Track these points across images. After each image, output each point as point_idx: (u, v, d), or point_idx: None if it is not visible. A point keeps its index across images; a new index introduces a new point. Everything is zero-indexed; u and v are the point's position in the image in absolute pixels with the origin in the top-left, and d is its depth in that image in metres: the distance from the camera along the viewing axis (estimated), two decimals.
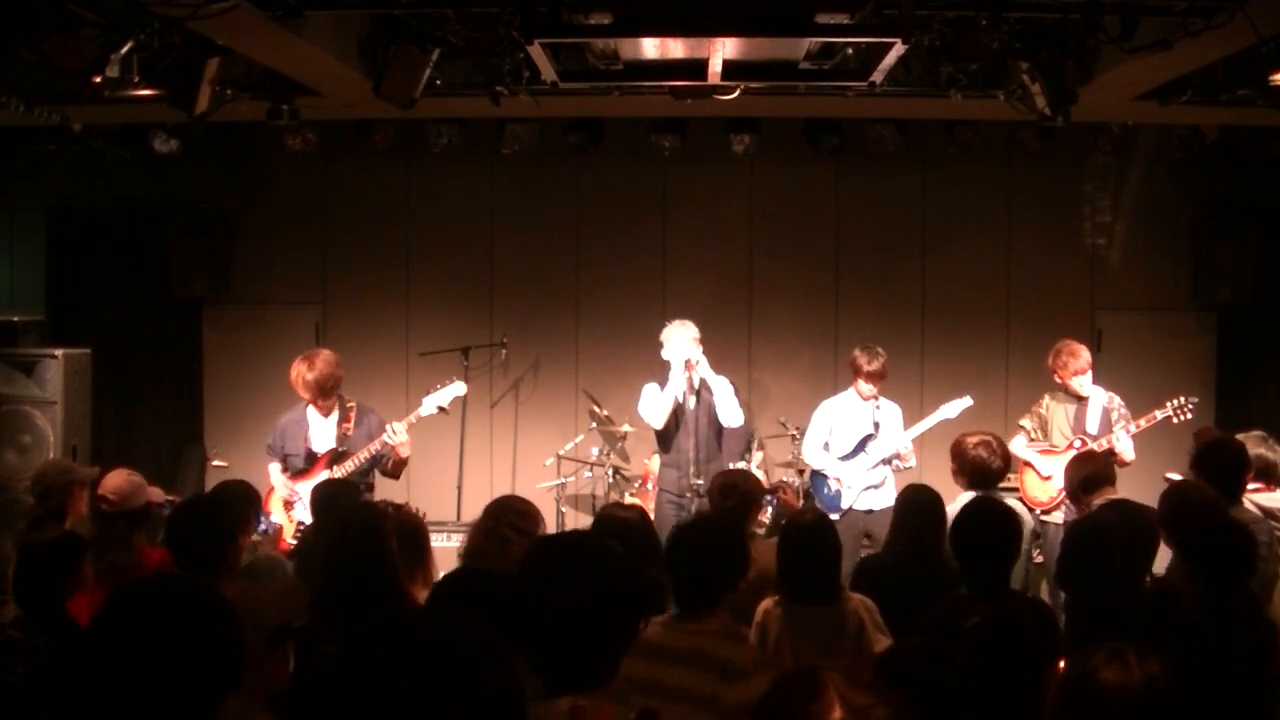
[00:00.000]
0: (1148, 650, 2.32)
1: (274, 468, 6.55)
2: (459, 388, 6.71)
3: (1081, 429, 6.68)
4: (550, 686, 2.23)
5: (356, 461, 6.32)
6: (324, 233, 9.57)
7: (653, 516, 7.18)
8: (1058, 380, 6.78)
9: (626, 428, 8.45)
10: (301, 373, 6.43)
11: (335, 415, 6.52)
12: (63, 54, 5.27)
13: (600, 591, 2.18)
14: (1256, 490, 5.01)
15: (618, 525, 4.12)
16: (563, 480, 8.56)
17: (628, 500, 8.25)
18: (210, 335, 9.63)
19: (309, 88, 6.79)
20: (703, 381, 6.83)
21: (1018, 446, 6.80)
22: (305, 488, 6.19)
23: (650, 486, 7.54)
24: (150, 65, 5.64)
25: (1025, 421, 6.93)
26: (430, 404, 6.59)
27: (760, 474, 7.98)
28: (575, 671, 2.22)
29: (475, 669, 1.54)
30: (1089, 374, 6.73)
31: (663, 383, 6.89)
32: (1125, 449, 6.58)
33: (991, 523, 4.03)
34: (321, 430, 6.51)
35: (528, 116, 8.00)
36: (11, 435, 7.87)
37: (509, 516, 4.13)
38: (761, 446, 8.54)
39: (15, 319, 8.98)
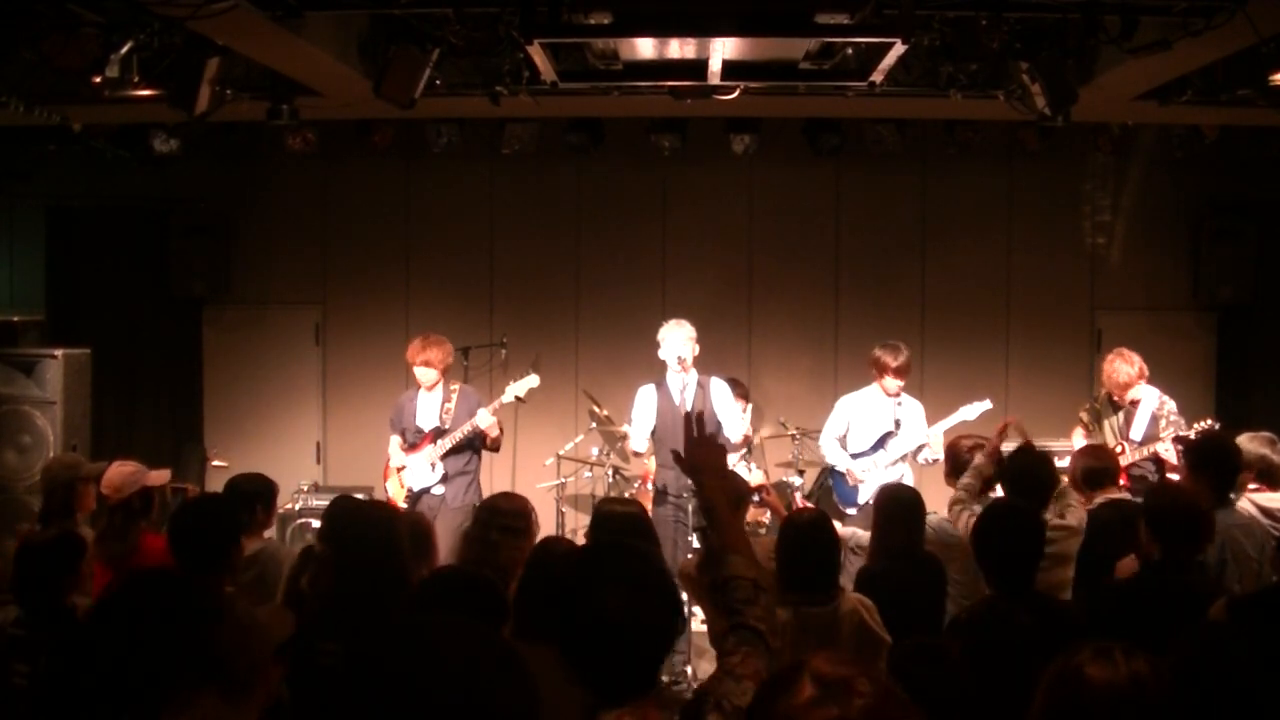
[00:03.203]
0: (1135, 647, 2.32)
1: (394, 439, 7.30)
2: (533, 380, 7.29)
3: (1126, 434, 6.64)
4: (601, 698, 2.17)
5: (454, 438, 7.05)
6: (324, 233, 9.58)
7: (650, 516, 7.20)
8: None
9: (626, 428, 8.43)
10: (415, 353, 7.13)
11: (440, 396, 7.21)
12: (63, 54, 5.27)
13: (653, 600, 2.15)
14: (1257, 490, 5.01)
15: (616, 520, 4.12)
16: (562, 480, 8.56)
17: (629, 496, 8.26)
18: (210, 335, 9.63)
19: (309, 88, 6.79)
20: (700, 383, 6.84)
21: (1078, 442, 6.80)
22: (414, 460, 7.16)
23: (649, 486, 7.54)
24: (150, 65, 5.64)
25: (1083, 414, 6.94)
26: (510, 393, 7.23)
27: (760, 474, 8.00)
28: (626, 682, 2.17)
29: (491, 680, 1.52)
30: (1136, 387, 6.67)
31: (659, 383, 6.90)
32: (1169, 457, 6.49)
33: (1015, 524, 4.03)
34: (428, 410, 7.24)
35: (528, 116, 7.99)
36: (11, 435, 7.88)
37: (496, 519, 4.14)
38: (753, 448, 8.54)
39: (15, 319, 8.99)
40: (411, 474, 7.16)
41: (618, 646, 2.08)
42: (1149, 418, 6.64)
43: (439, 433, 7.13)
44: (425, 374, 7.14)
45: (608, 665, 2.14)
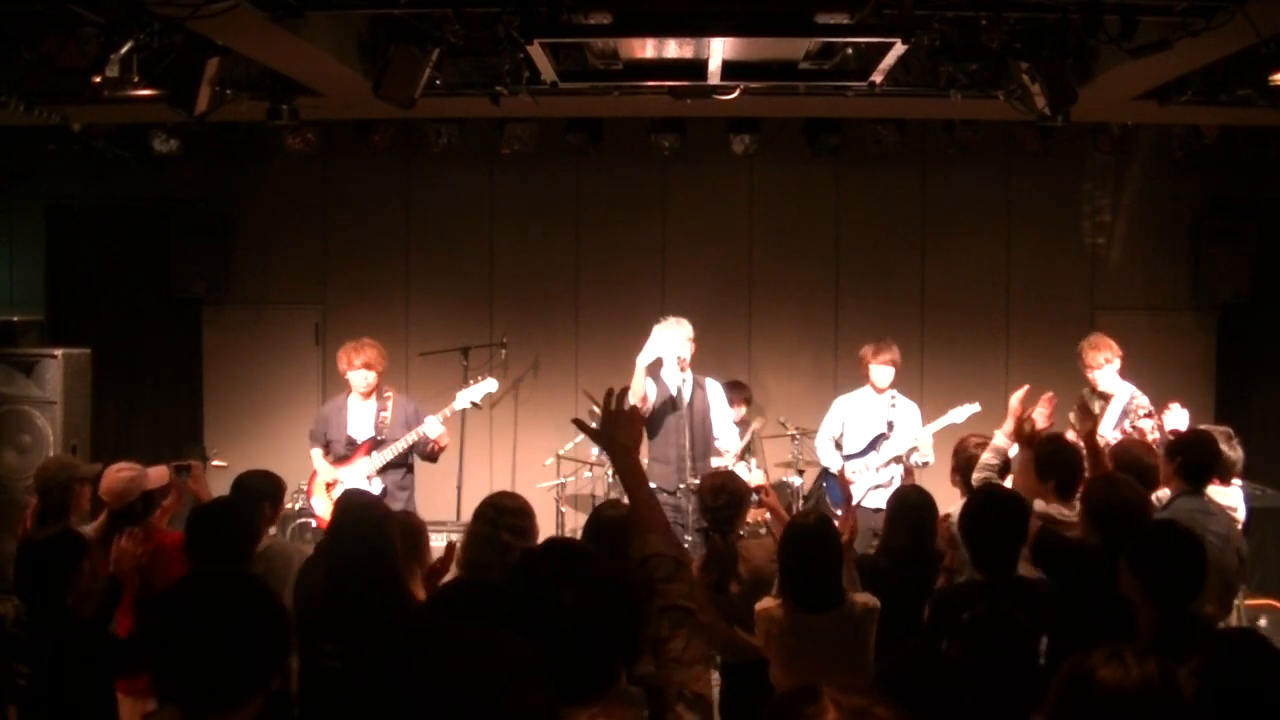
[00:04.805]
0: (1145, 650, 2.33)
1: (316, 453, 6.94)
2: (490, 384, 7.11)
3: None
4: (565, 697, 2.16)
5: (395, 449, 6.73)
6: (324, 233, 9.58)
7: None
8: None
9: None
10: (350, 357, 6.81)
11: (374, 404, 6.85)
12: (63, 54, 5.26)
13: (602, 598, 2.13)
14: (1210, 484, 5.02)
15: (605, 523, 4.12)
16: (562, 480, 8.56)
17: (626, 500, 8.24)
18: (210, 335, 9.63)
19: (309, 88, 6.79)
20: (697, 381, 6.84)
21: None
22: (347, 473, 6.75)
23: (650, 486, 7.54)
24: (150, 65, 5.64)
25: (1071, 416, 6.90)
26: (464, 398, 6.96)
27: (760, 474, 7.99)
28: (581, 682, 2.15)
29: (511, 684, 1.51)
30: (1104, 370, 6.60)
31: (655, 376, 6.90)
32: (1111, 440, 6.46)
33: (999, 508, 4.06)
34: (360, 419, 6.87)
35: (528, 116, 8.00)
36: (11, 435, 7.88)
37: (505, 518, 4.04)
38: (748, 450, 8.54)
39: (15, 319, 8.99)
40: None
41: (569, 646, 2.08)
42: (1119, 413, 6.64)
43: (376, 444, 6.78)
44: (362, 378, 6.77)
45: (561, 666, 2.16)
